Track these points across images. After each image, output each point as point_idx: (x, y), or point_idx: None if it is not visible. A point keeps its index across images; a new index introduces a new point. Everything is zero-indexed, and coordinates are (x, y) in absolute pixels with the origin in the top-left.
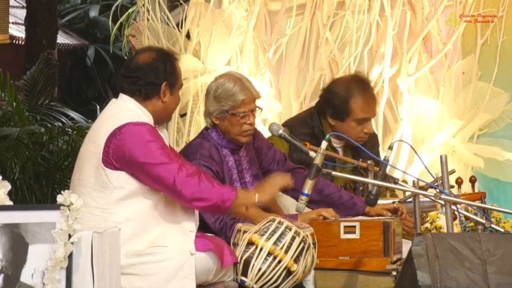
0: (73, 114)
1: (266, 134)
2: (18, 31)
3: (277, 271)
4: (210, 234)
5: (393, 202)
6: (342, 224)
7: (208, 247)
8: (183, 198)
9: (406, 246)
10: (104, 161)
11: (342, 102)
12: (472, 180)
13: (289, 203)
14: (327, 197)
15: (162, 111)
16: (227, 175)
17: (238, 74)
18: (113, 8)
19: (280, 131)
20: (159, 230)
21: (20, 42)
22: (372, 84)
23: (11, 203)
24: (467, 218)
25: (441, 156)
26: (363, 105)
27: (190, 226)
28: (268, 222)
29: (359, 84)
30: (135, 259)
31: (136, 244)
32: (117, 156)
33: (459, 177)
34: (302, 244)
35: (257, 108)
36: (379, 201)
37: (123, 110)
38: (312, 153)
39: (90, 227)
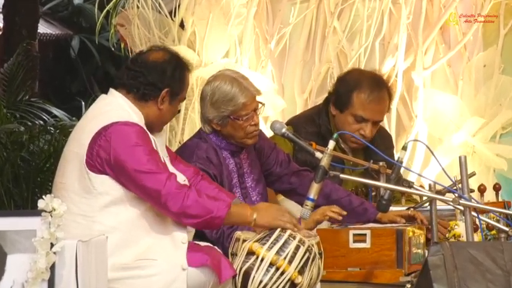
0: (56, 111)
1: (268, 132)
2: None
3: (280, 283)
4: (205, 244)
5: (408, 208)
6: (351, 232)
7: (203, 262)
8: (170, 212)
9: None
10: (87, 163)
11: (346, 91)
12: (496, 188)
13: (293, 208)
14: (335, 202)
15: (156, 118)
16: (226, 179)
17: (233, 73)
18: None
19: (284, 130)
20: (147, 241)
21: None
22: (385, 78)
23: None
24: (489, 227)
25: (460, 158)
26: (365, 102)
27: (182, 237)
28: (270, 229)
29: (372, 81)
30: (121, 273)
31: (122, 256)
32: (101, 158)
33: (482, 184)
34: (307, 254)
35: (259, 105)
36: (393, 208)
37: (112, 108)
38: (318, 154)
39: (74, 235)
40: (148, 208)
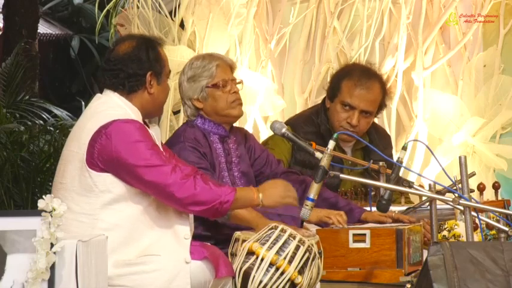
0: (56, 111)
1: (268, 132)
2: None
3: (279, 283)
4: (204, 243)
5: (408, 208)
6: (351, 232)
7: (203, 255)
8: (178, 202)
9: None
10: (88, 162)
11: (336, 80)
12: (496, 187)
13: None
14: (323, 200)
15: (150, 104)
16: (216, 161)
17: (203, 53)
18: None
19: (283, 130)
20: (150, 237)
21: None
22: (385, 78)
23: None
24: (489, 226)
25: (460, 158)
26: (352, 89)
27: (185, 232)
28: (269, 229)
29: (362, 70)
30: (124, 269)
31: (126, 253)
32: (102, 157)
33: (481, 183)
34: (307, 254)
35: (237, 80)
36: (394, 208)
37: (109, 107)
38: (318, 154)
39: (75, 235)
40: (150, 204)
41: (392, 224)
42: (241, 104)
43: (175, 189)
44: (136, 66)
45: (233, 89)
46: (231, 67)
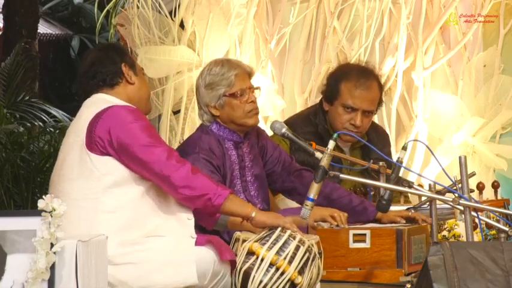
0: (55, 111)
1: (268, 132)
2: None
3: (279, 284)
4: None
5: (408, 209)
6: (351, 232)
7: (205, 241)
8: (171, 184)
9: None
10: (87, 146)
11: (334, 83)
12: (495, 186)
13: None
14: (335, 201)
15: (136, 95)
16: (228, 170)
17: (222, 58)
18: None
19: (284, 130)
20: (154, 221)
21: None
22: (384, 78)
23: None
24: (488, 225)
25: (460, 158)
26: (352, 90)
27: (187, 214)
28: (269, 230)
29: (359, 70)
30: (129, 248)
31: (130, 234)
32: (102, 139)
33: (480, 182)
34: (307, 254)
35: (255, 88)
36: (392, 207)
37: (103, 103)
38: (318, 154)
39: (79, 220)
40: (151, 186)
41: (393, 224)
42: (257, 114)
43: (170, 170)
44: (109, 62)
45: (250, 98)
46: (250, 74)
